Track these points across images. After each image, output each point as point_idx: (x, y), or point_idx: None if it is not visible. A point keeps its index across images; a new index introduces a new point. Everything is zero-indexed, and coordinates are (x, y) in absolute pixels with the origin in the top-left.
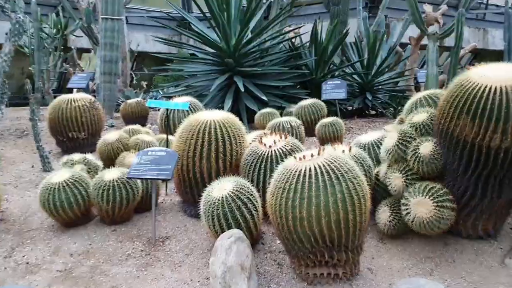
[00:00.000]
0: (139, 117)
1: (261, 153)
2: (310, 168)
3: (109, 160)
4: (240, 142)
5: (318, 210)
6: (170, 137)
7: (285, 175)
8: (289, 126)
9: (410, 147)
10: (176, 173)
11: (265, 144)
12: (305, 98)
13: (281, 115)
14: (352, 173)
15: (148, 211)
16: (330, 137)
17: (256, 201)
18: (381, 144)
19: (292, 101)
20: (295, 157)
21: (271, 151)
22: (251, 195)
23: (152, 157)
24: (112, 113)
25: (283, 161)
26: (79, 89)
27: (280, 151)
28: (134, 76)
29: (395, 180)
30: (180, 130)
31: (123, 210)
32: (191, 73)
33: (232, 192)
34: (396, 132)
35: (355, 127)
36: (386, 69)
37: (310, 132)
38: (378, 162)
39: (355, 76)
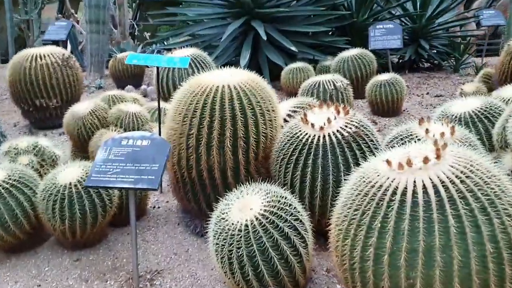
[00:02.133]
0: (133, 76)
1: (308, 139)
2: (424, 187)
3: (81, 142)
4: (271, 120)
5: (447, 275)
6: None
7: (367, 196)
8: (332, 87)
9: None
10: (171, 167)
11: (312, 124)
12: (345, 48)
13: (314, 70)
14: (506, 195)
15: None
16: (387, 101)
17: (305, 229)
18: (488, 117)
19: (328, 51)
20: (387, 161)
21: (325, 137)
22: (296, 218)
23: (127, 150)
24: (102, 71)
25: (345, 153)
26: (58, 43)
27: (340, 136)
28: (136, 26)
29: None
30: (175, 102)
31: (88, 230)
32: (197, 19)
33: (264, 215)
34: None
35: (410, 85)
36: (445, 10)
37: (355, 93)
38: (490, 146)
39: (405, 18)
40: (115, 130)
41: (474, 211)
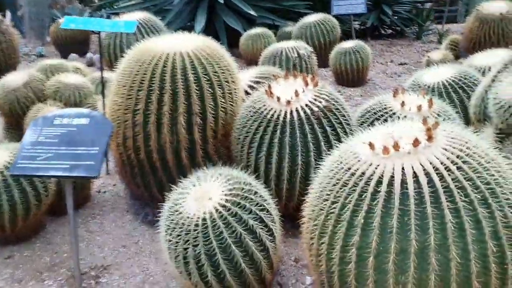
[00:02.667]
0: (77, 43)
1: (273, 115)
2: (415, 175)
3: (15, 118)
4: (230, 93)
5: (444, 279)
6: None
7: (346, 186)
8: (295, 55)
9: None
10: (116, 147)
11: (278, 98)
12: (307, 13)
13: (274, 37)
14: (507, 182)
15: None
16: (352, 70)
17: (273, 219)
18: (463, 87)
19: (288, 17)
20: (370, 144)
21: (293, 112)
22: (262, 208)
23: (61, 130)
24: (43, 38)
25: (315, 131)
26: None
27: (309, 111)
28: None
29: None
30: (118, 73)
31: (20, 223)
32: None
33: (225, 206)
34: None
35: (373, 52)
36: None
37: (318, 62)
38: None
39: None
40: (53, 105)
41: (474, 203)
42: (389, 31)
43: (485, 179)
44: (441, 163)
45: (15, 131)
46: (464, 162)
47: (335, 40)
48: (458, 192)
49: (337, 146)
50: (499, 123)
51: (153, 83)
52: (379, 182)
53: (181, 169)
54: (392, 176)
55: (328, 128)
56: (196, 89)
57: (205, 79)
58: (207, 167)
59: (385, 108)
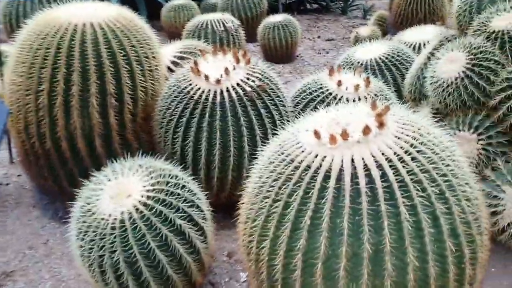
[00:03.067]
0: None
1: (201, 95)
2: (366, 168)
3: None
4: (151, 70)
5: (400, 284)
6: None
7: (290, 181)
8: (222, 28)
9: (495, 81)
10: (17, 135)
11: (206, 76)
12: None
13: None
14: (461, 172)
15: None
16: (281, 46)
17: (204, 216)
18: (396, 65)
19: None
20: (315, 132)
21: (223, 92)
22: (191, 203)
23: None
24: None
25: (248, 113)
26: None
27: (241, 91)
28: None
29: (464, 146)
30: (17, 47)
31: None
32: None
33: (147, 204)
34: (461, 50)
35: (300, 28)
36: None
37: (245, 36)
38: (398, 98)
39: None
40: None
41: (431, 198)
42: (315, 5)
43: (441, 170)
44: (395, 154)
45: None
46: (418, 151)
47: (262, 13)
48: (414, 187)
49: (272, 130)
50: (437, 103)
51: (58, 60)
52: (326, 177)
53: (95, 159)
54: (341, 170)
55: (262, 110)
56: (111, 66)
57: (121, 54)
58: (125, 156)
59: (320, 88)
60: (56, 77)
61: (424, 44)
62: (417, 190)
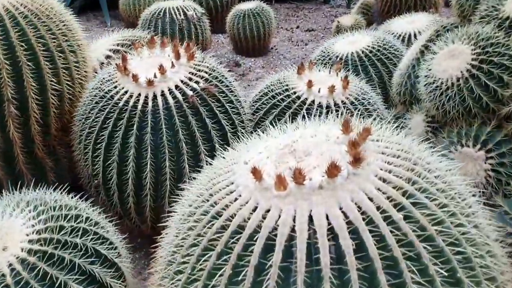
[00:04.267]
0: None
1: (128, 101)
2: (333, 237)
3: None
4: (68, 67)
5: None
6: None
7: (211, 250)
8: (182, 17)
9: (510, 82)
10: None
11: (135, 76)
12: None
13: None
14: (483, 242)
15: None
16: (253, 37)
17: (118, 273)
18: (382, 59)
19: None
20: (255, 171)
21: (156, 97)
22: (97, 254)
23: None
24: None
25: (189, 124)
26: None
27: (181, 95)
28: None
29: (468, 165)
30: None
31: None
32: None
33: (25, 260)
34: (465, 42)
35: (277, 17)
36: None
37: (214, 26)
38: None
39: None
40: None
41: (436, 283)
42: None
43: (451, 236)
44: (378, 208)
45: None
46: (415, 203)
47: (234, 1)
48: (410, 267)
49: (222, 146)
50: (433, 109)
51: None
52: (268, 247)
53: None
54: (292, 236)
55: (208, 121)
56: (7, 64)
57: (22, 48)
58: (31, 175)
59: (286, 90)
60: None
61: (416, 35)
62: (413, 273)
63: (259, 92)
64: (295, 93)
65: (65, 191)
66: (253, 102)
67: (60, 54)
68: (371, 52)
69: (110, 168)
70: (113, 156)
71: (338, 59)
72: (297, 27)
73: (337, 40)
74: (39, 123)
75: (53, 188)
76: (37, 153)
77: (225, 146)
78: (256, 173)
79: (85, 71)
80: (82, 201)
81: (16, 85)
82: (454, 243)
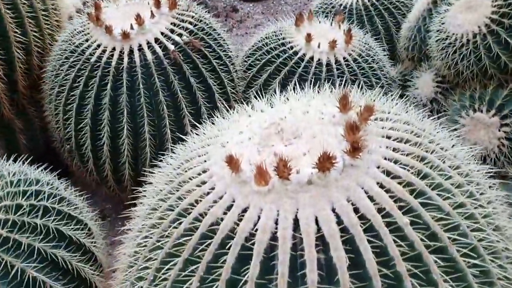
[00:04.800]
0: None
1: (101, 57)
2: (322, 243)
3: None
4: (35, 16)
5: None
6: None
7: (174, 254)
8: None
9: None
10: None
11: (108, 28)
12: None
13: None
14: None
15: None
16: None
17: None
18: (389, 8)
19: None
20: (230, 160)
21: (133, 53)
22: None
23: None
24: None
25: (171, 85)
26: None
27: (161, 50)
28: None
29: (479, 132)
30: None
31: None
32: None
33: None
34: None
35: None
36: None
37: None
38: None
39: None
40: None
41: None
42: None
43: (467, 243)
44: (380, 211)
45: None
46: (426, 204)
47: None
48: (421, 285)
49: (209, 109)
50: (444, 68)
51: None
52: (243, 260)
53: None
54: (272, 244)
55: (192, 80)
56: None
57: None
58: (2, 144)
59: (283, 44)
60: None
61: None
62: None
63: (253, 46)
64: (292, 48)
65: (36, 156)
66: (246, 58)
67: (24, 1)
68: (378, 0)
69: (83, 133)
70: (85, 119)
71: (341, 8)
72: None
73: None
74: (3, 80)
75: (23, 156)
76: (4, 113)
77: (212, 109)
78: (232, 162)
79: (56, 21)
80: (50, 169)
81: None
82: (470, 255)
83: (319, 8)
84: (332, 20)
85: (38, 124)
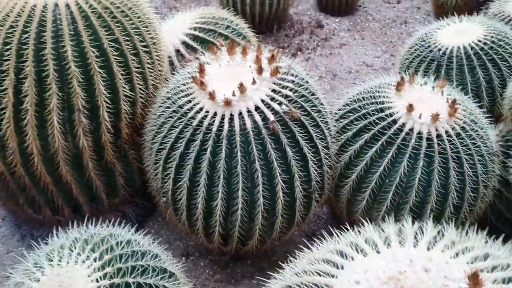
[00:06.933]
0: None
1: (202, 121)
2: None
3: None
4: (142, 69)
5: None
6: None
7: None
8: None
9: None
10: None
11: (212, 94)
12: None
13: None
14: None
15: None
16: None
17: None
18: (493, 58)
19: None
20: None
21: (233, 120)
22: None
23: None
24: None
25: (267, 154)
26: None
27: (261, 120)
28: None
29: None
30: None
31: None
32: None
33: None
34: None
35: None
36: None
37: None
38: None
39: None
40: None
41: None
42: None
43: None
44: None
45: None
46: None
47: None
48: None
49: (302, 177)
50: None
51: (5, 59)
52: None
53: (63, 186)
54: None
55: (288, 149)
56: (78, 72)
57: (94, 54)
58: (101, 181)
59: (381, 110)
60: (1, 84)
61: None
62: None
63: (347, 105)
64: (391, 115)
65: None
66: (340, 118)
67: (134, 58)
68: (482, 49)
69: (180, 190)
70: (184, 178)
71: (440, 53)
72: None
73: (440, 27)
74: (110, 130)
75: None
76: (107, 159)
77: (306, 176)
78: None
79: (159, 71)
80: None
81: (87, 94)
82: None
83: (415, 50)
84: (434, 84)
85: (136, 166)
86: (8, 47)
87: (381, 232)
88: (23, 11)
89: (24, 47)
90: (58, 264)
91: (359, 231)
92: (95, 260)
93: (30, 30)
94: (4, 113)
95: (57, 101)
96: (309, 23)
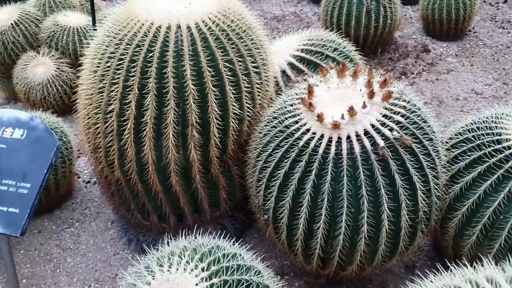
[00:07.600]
0: None
1: (308, 143)
2: None
3: (3, 66)
4: (252, 87)
5: None
6: None
7: None
8: None
9: None
10: (90, 153)
11: (320, 116)
12: None
13: None
14: None
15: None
16: (450, 20)
17: None
18: None
19: None
20: None
21: (341, 143)
22: None
23: None
24: None
25: (375, 180)
26: None
27: (370, 145)
28: None
29: None
30: (92, 47)
31: None
32: None
33: None
34: None
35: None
36: None
37: None
38: None
39: None
40: (48, 54)
41: None
42: None
43: None
44: None
45: (4, 79)
46: None
47: None
48: None
49: (409, 205)
50: None
51: (131, 75)
52: None
53: (171, 195)
54: None
55: (397, 177)
56: (195, 90)
57: (210, 73)
58: (205, 193)
59: (498, 142)
60: (127, 97)
61: None
62: None
63: (459, 134)
64: (509, 147)
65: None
66: (451, 147)
67: (245, 78)
68: None
69: (282, 209)
70: (286, 198)
71: None
72: (505, 1)
73: None
74: (218, 146)
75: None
76: (213, 172)
77: (414, 206)
78: None
79: (266, 90)
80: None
81: (200, 111)
82: None
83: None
84: None
85: (238, 181)
86: (134, 64)
87: (501, 271)
88: (149, 31)
89: (149, 64)
90: (168, 270)
91: (474, 268)
92: (202, 270)
93: (154, 49)
94: (126, 124)
95: (174, 116)
96: (415, 47)
